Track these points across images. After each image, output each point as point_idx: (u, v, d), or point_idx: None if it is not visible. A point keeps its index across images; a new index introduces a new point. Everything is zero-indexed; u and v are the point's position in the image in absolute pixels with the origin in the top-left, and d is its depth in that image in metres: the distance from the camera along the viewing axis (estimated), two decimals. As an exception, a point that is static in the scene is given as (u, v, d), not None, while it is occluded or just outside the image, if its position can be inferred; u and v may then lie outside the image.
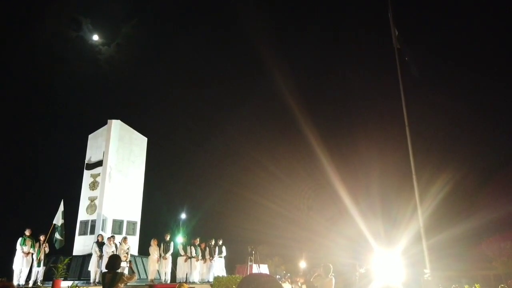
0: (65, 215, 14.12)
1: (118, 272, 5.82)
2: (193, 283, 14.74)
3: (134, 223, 17.95)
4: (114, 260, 6.05)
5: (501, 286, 13.06)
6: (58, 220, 13.70)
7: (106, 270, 5.97)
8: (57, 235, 13.77)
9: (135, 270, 14.03)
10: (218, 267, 16.25)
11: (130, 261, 13.57)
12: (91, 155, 18.14)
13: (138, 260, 16.90)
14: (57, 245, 13.93)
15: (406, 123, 11.46)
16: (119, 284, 5.73)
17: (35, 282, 12.64)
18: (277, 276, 22.99)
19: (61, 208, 13.91)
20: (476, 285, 13.48)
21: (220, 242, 16.62)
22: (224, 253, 16.64)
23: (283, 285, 16.03)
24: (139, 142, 19.28)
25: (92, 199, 17.27)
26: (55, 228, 13.71)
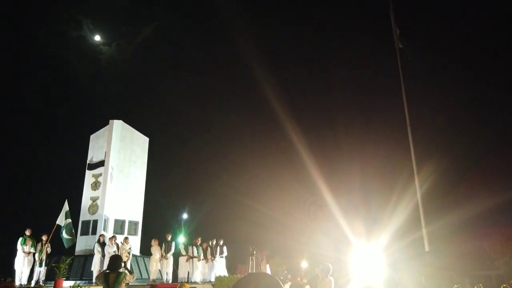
0: (70, 214, 14.13)
1: (121, 272, 5.86)
2: (195, 283, 14.77)
3: (136, 223, 17.98)
4: (116, 260, 6.08)
5: (503, 286, 13.03)
6: (62, 220, 13.69)
7: (108, 271, 5.99)
8: (65, 235, 13.78)
9: (133, 270, 14.07)
10: (219, 267, 16.28)
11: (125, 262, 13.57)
12: (93, 155, 18.19)
13: (140, 260, 16.93)
14: (66, 244, 13.93)
15: (408, 123, 11.46)
16: (122, 285, 5.76)
17: (37, 282, 12.69)
18: (281, 278, 22.99)
19: (65, 208, 13.92)
20: (479, 284, 13.45)
21: (221, 242, 16.66)
22: (225, 253, 16.68)
23: (285, 285, 16.02)
24: (141, 142, 19.31)
25: (94, 199, 17.31)
26: (60, 228, 13.72)
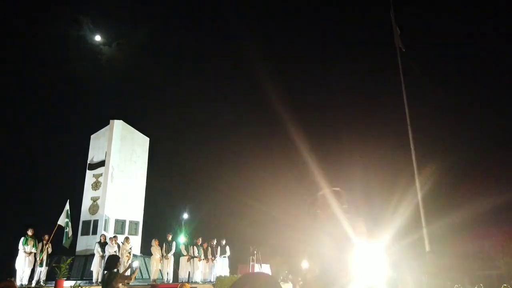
0: (70, 214, 14.12)
1: (113, 272, 5.90)
2: (195, 283, 14.77)
3: (136, 223, 17.98)
4: (111, 260, 6.16)
5: (503, 286, 13.03)
6: (63, 221, 13.68)
7: (105, 271, 6.08)
8: (66, 235, 13.78)
9: (137, 272, 14.06)
10: (222, 267, 16.29)
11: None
12: (94, 155, 18.19)
13: (141, 260, 16.94)
14: (64, 241, 13.93)
15: (408, 123, 11.44)
16: (114, 284, 5.78)
17: (38, 282, 12.70)
18: (281, 277, 22.99)
19: (66, 207, 13.93)
20: (480, 284, 13.44)
21: (224, 242, 16.66)
22: (228, 253, 16.67)
23: (285, 285, 16.02)
24: (141, 142, 19.31)
25: (94, 199, 17.31)
26: (63, 228, 13.71)
